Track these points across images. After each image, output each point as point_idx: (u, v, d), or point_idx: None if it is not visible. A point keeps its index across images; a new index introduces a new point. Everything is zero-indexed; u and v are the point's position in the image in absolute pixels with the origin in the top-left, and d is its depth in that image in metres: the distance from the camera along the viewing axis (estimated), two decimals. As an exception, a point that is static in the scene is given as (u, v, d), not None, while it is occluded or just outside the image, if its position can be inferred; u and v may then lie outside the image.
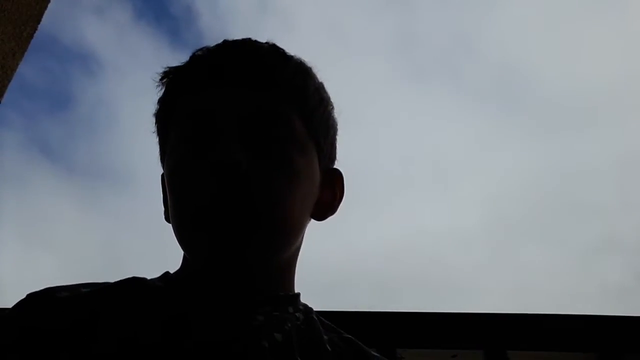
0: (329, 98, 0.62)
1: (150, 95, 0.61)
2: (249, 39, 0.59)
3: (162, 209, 0.61)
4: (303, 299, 0.59)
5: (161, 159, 0.60)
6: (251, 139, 0.52)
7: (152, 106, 0.61)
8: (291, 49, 0.62)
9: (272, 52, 0.58)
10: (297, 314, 0.56)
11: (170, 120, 0.57)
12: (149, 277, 0.58)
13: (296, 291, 0.60)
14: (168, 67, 0.59)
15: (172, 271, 0.59)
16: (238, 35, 0.60)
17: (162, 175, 0.60)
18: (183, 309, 0.51)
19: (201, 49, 0.59)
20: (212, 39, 0.60)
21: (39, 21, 1.37)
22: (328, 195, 0.62)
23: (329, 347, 0.53)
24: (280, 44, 0.61)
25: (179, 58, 0.60)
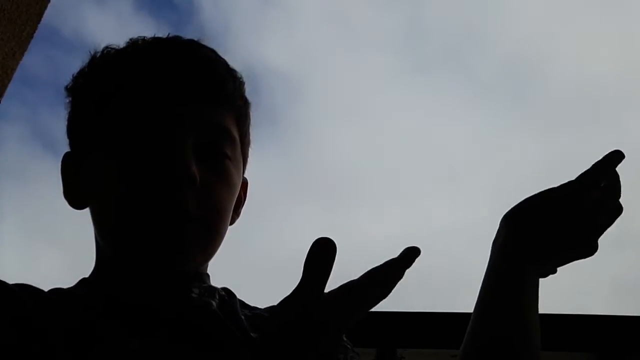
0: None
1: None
2: (196, 45, 0.60)
3: None
4: None
5: (81, 131, 0.60)
6: (203, 154, 0.55)
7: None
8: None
9: (222, 64, 0.61)
10: (218, 288, 0.61)
11: (116, 108, 0.57)
12: None
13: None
14: (109, 48, 0.61)
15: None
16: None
17: (67, 155, 0.62)
18: (117, 299, 0.53)
19: (154, 45, 0.60)
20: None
21: (39, 21, 1.37)
22: (237, 200, 0.65)
23: (242, 317, 0.58)
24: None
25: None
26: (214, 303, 0.56)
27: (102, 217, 0.57)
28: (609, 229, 0.63)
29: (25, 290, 0.51)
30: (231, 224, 0.64)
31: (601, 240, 0.63)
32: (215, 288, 0.59)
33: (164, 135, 0.54)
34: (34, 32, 1.35)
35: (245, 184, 0.68)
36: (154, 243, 0.53)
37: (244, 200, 0.68)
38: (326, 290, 0.41)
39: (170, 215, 0.52)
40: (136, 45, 0.60)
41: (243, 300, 0.65)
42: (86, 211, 0.60)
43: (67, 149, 0.63)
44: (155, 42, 0.60)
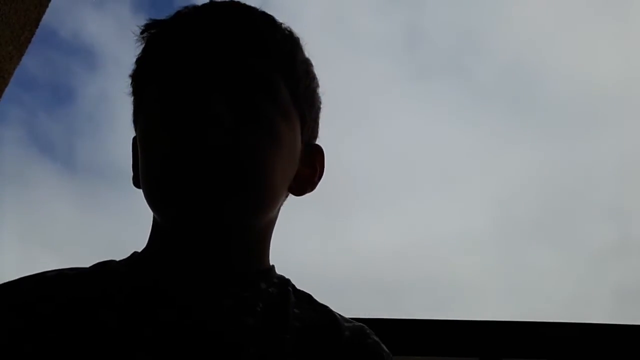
0: (315, 74, 0.62)
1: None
2: (238, 2, 0.57)
3: None
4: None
5: (134, 120, 0.59)
6: (238, 102, 0.51)
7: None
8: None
9: (263, 17, 0.57)
10: (270, 289, 0.54)
11: (149, 78, 0.56)
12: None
13: (271, 264, 0.58)
14: (151, 20, 0.58)
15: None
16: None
17: (134, 139, 0.59)
18: (145, 286, 0.50)
19: (187, 7, 0.57)
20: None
21: (37, 25, 1.37)
22: (307, 170, 0.61)
23: (296, 323, 0.51)
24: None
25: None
26: (250, 320, 0.49)
27: (141, 182, 0.53)
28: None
29: (58, 275, 0.52)
30: (300, 193, 0.61)
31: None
32: (262, 292, 0.53)
33: (188, 83, 0.51)
34: (32, 36, 1.36)
35: (319, 152, 0.63)
36: (176, 189, 0.48)
37: (320, 171, 0.63)
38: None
39: (189, 152, 0.47)
40: (180, 14, 0.57)
41: (309, 294, 0.58)
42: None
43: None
44: (199, 7, 0.57)
